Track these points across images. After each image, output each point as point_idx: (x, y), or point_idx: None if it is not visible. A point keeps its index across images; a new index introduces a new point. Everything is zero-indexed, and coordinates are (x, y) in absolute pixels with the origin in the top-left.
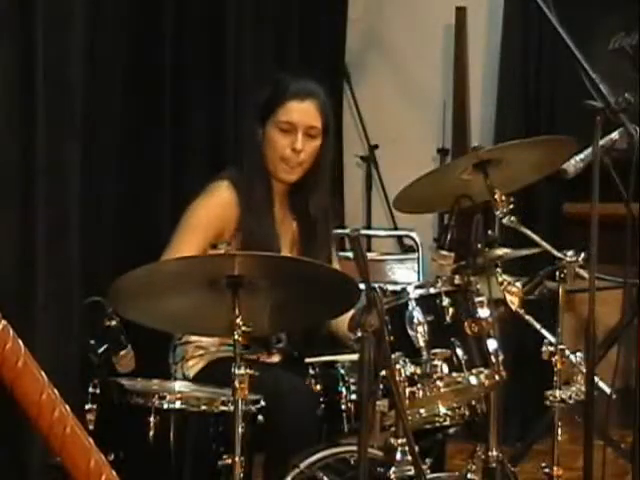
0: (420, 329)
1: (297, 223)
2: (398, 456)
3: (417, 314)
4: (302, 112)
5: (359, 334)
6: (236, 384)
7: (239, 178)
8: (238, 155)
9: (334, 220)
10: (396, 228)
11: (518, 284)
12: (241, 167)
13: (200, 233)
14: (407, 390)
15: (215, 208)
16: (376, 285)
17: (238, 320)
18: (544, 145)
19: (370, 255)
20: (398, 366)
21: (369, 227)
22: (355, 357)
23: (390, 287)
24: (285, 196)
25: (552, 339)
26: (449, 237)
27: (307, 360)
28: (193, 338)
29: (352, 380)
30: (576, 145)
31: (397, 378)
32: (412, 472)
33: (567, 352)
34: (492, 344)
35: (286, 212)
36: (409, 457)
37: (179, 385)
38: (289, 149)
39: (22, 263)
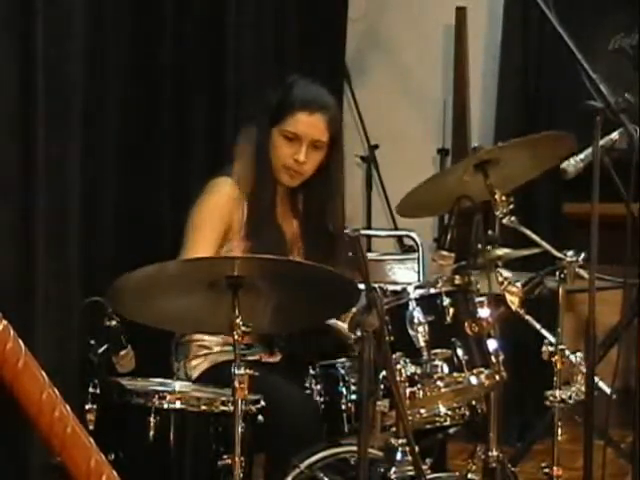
0: (420, 329)
1: (298, 222)
2: (398, 456)
3: (417, 314)
4: (309, 125)
5: (359, 334)
6: (236, 384)
7: (242, 176)
8: (242, 154)
9: (343, 223)
10: (396, 228)
11: (518, 284)
12: (245, 166)
13: (212, 230)
14: (407, 390)
15: (221, 203)
16: (376, 285)
17: (238, 321)
18: (542, 142)
19: (370, 255)
20: (398, 366)
21: (369, 227)
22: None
23: (390, 287)
24: (287, 195)
25: (552, 339)
26: (449, 237)
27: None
28: (196, 336)
29: (352, 380)
30: (574, 140)
31: (397, 378)
32: (412, 472)
33: (567, 352)
34: (492, 344)
35: (287, 211)
36: (409, 457)
37: (179, 385)
38: (292, 159)
39: (22, 263)
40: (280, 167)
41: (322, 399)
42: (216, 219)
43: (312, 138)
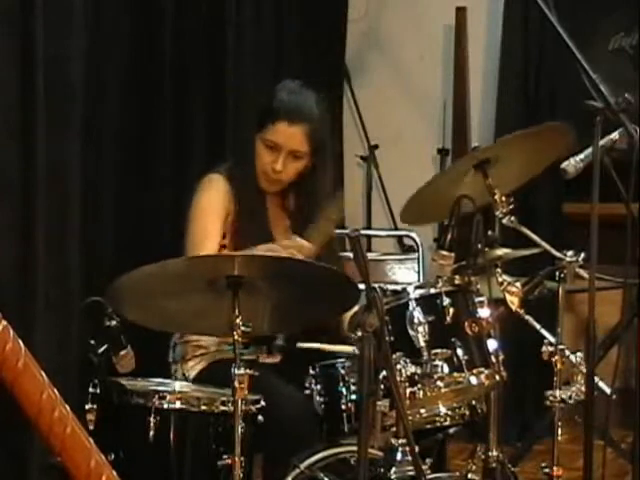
0: (420, 329)
1: (290, 223)
2: (399, 456)
3: (417, 314)
4: (288, 136)
5: (359, 334)
6: (236, 384)
7: (233, 176)
8: (233, 155)
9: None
10: (396, 228)
11: (518, 284)
12: (234, 167)
13: (213, 224)
14: (407, 390)
15: (217, 198)
16: (376, 285)
17: (238, 320)
18: (540, 135)
19: (370, 255)
20: (399, 366)
21: (369, 227)
22: (348, 349)
23: (390, 287)
24: (277, 195)
25: (552, 339)
26: (449, 237)
27: (299, 345)
28: (192, 337)
29: (352, 380)
30: (572, 132)
31: (397, 378)
32: (412, 472)
33: (567, 352)
34: (492, 344)
35: (279, 211)
36: (409, 457)
37: (179, 385)
38: (270, 167)
39: (22, 263)
40: (260, 173)
41: (322, 399)
42: (214, 213)
43: (291, 148)
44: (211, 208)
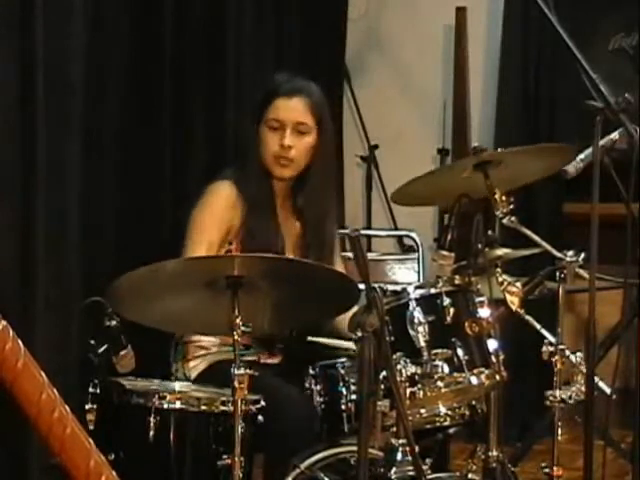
0: (421, 329)
1: (300, 223)
2: (399, 456)
3: (418, 314)
4: (289, 109)
5: (359, 334)
6: (236, 384)
7: (239, 178)
8: (238, 155)
9: (338, 220)
10: (396, 228)
11: (518, 284)
12: (241, 167)
13: (213, 232)
14: (408, 390)
15: (220, 207)
16: (376, 285)
17: (237, 320)
18: (544, 152)
19: (370, 255)
20: (399, 366)
21: (369, 227)
22: (352, 345)
23: (390, 287)
24: (287, 196)
25: (552, 339)
26: (449, 237)
27: (309, 339)
28: (194, 337)
29: (352, 380)
30: (575, 151)
31: (398, 378)
32: (412, 472)
33: (567, 352)
34: (492, 344)
35: (288, 213)
36: (409, 457)
37: (179, 385)
38: (278, 146)
39: (22, 263)
40: (271, 159)
41: (322, 399)
42: (216, 221)
43: (295, 121)
44: (214, 220)
